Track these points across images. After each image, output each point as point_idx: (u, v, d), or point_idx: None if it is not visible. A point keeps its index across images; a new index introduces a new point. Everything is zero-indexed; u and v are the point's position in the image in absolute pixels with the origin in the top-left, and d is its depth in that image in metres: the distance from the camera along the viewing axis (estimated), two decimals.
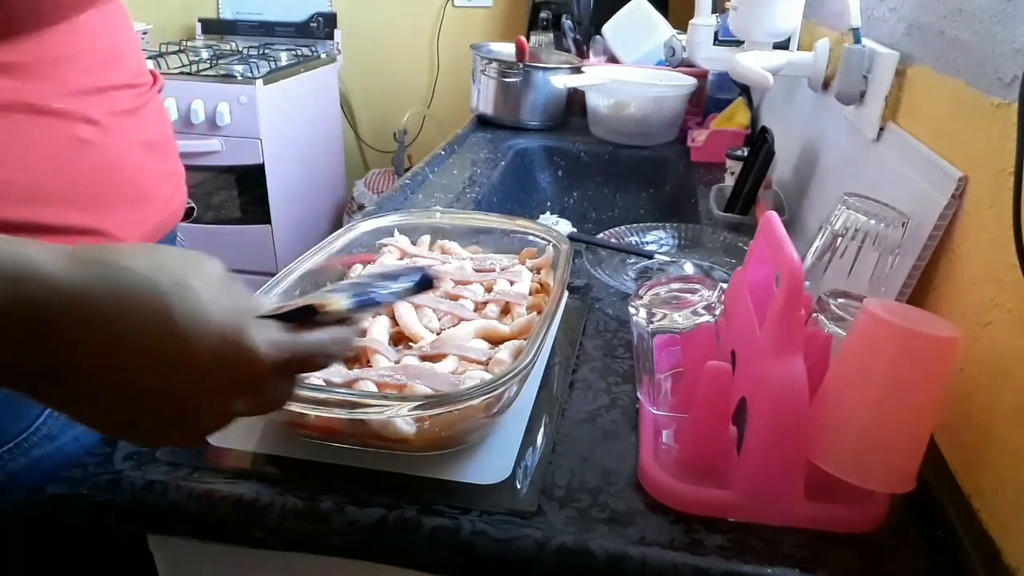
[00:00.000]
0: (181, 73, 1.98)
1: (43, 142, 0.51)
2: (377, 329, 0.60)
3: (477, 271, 0.71)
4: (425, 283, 0.45)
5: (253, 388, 0.34)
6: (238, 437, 0.53)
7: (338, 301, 0.39)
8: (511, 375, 0.48)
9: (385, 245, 0.73)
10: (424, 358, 0.57)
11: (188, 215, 1.76)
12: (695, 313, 0.52)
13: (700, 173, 1.26)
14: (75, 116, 0.52)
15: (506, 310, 0.65)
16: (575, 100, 1.53)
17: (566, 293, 0.71)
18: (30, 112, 0.49)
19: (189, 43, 2.31)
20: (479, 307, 0.65)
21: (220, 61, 2.10)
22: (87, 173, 0.54)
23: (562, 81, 1.41)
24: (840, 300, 0.53)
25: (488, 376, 0.53)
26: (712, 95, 1.50)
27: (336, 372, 0.53)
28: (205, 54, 2.18)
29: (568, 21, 1.81)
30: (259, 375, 0.34)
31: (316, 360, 0.37)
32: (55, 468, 0.50)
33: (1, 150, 0.48)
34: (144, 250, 0.33)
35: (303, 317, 0.37)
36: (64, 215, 0.52)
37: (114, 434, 0.36)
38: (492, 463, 0.52)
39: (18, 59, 0.48)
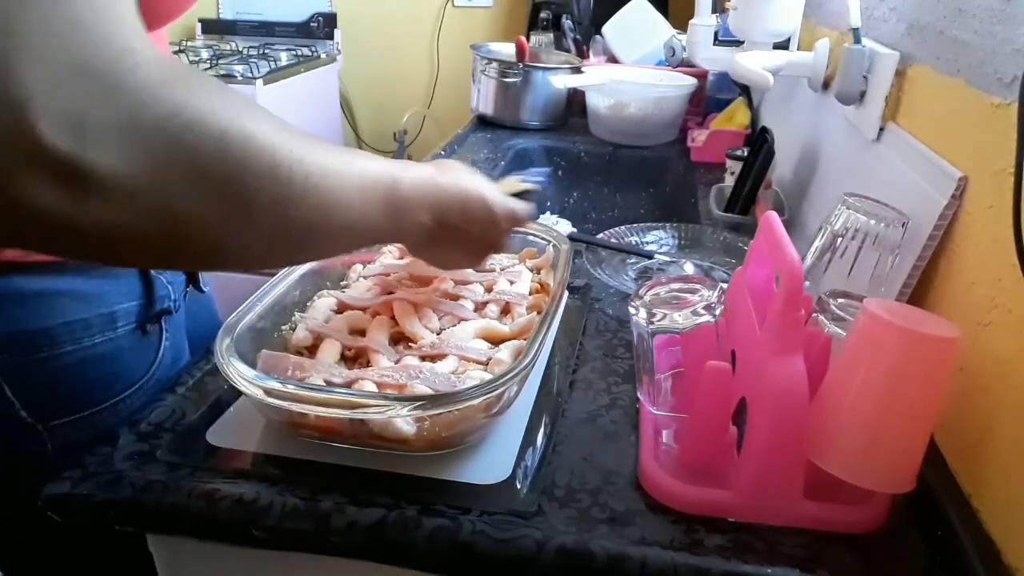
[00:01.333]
0: None
1: None
2: (377, 329, 0.60)
3: (477, 271, 0.71)
4: (549, 176, 0.69)
5: (510, 233, 0.60)
6: (238, 437, 0.53)
7: (535, 186, 0.66)
8: (511, 375, 0.48)
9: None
10: (424, 358, 0.57)
11: None
12: (695, 313, 0.52)
13: (700, 173, 1.25)
14: None
15: (506, 310, 0.65)
16: (575, 100, 1.52)
17: (566, 293, 0.71)
18: None
19: (189, 43, 2.31)
20: (479, 307, 0.65)
21: (220, 61, 2.09)
22: None
23: (562, 81, 1.41)
24: (840, 300, 0.53)
25: (488, 376, 0.53)
26: (712, 95, 1.50)
27: (336, 372, 0.54)
28: (205, 54, 2.18)
29: (568, 21, 1.81)
30: (515, 226, 0.60)
31: (528, 221, 0.64)
32: None
33: None
34: (455, 164, 0.55)
35: (522, 196, 0.62)
36: None
37: (449, 266, 0.63)
38: (492, 463, 0.52)
39: None
